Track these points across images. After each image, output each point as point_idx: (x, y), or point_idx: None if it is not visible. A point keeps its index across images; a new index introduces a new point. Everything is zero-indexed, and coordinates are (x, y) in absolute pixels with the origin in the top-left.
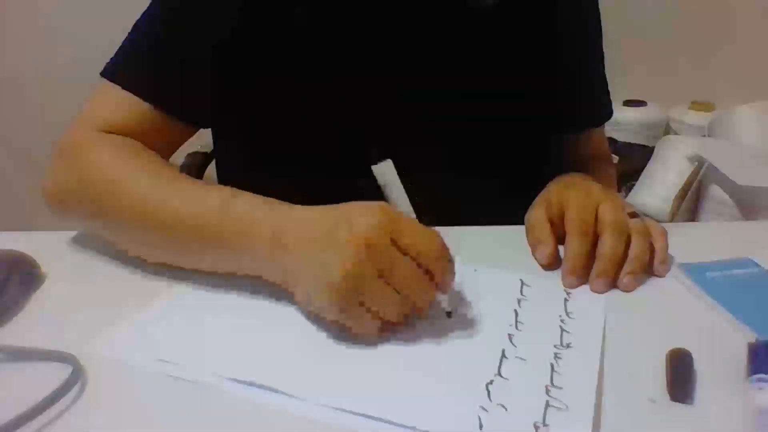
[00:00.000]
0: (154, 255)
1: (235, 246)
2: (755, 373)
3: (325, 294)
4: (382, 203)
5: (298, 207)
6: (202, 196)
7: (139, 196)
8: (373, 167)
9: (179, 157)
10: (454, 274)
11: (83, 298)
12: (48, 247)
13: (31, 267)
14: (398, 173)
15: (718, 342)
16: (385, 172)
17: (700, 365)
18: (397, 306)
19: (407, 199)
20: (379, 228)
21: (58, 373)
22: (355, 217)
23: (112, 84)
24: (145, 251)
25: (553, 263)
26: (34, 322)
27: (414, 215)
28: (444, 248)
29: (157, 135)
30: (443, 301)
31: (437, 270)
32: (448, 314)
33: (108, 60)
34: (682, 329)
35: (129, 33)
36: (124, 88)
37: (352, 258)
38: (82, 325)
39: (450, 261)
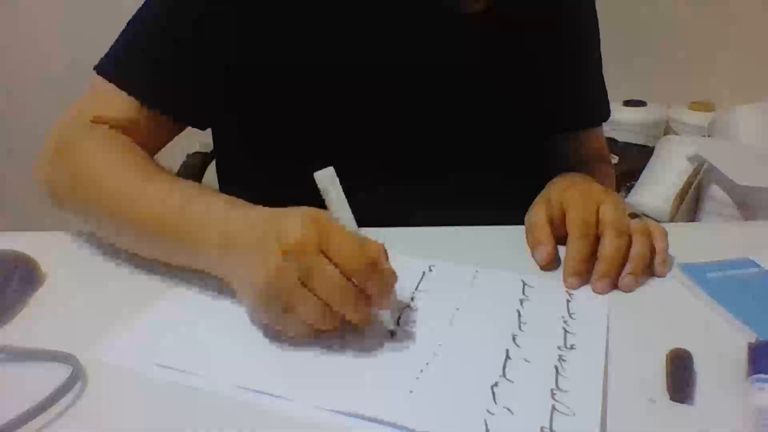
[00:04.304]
0: (128, 246)
1: (189, 245)
2: (755, 373)
3: (252, 298)
4: (316, 210)
5: (251, 210)
6: (167, 195)
7: (114, 191)
8: (315, 174)
9: (179, 157)
10: (391, 289)
11: (83, 298)
12: (48, 247)
13: (31, 267)
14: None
15: (718, 342)
16: (323, 179)
17: (700, 365)
18: (323, 316)
19: (347, 208)
20: (307, 235)
21: (58, 373)
22: (285, 224)
23: (103, 80)
24: (120, 242)
25: (551, 264)
26: (34, 322)
27: (353, 225)
28: (374, 261)
29: (145, 130)
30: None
31: (365, 283)
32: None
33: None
34: (682, 329)
35: (123, 30)
36: (114, 84)
37: (275, 265)
38: (82, 325)
39: (385, 275)
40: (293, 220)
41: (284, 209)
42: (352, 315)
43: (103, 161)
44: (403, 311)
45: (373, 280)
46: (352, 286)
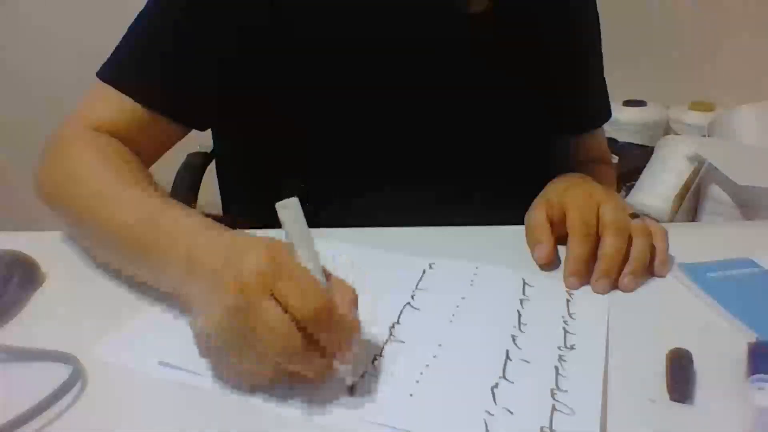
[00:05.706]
0: (100, 256)
1: (155, 260)
2: (755, 373)
3: (200, 333)
4: (275, 246)
5: (218, 231)
6: (138, 206)
7: (92, 192)
8: (276, 204)
9: (179, 157)
10: (350, 340)
11: (83, 298)
12: (48, 247)
13: (31, 267)
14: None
15: (718, 342)
16: (284, 210)
17: (700, 365)
18: (264, 367)
19: (310, 243)
20: (259, 275)
21: (58, 373)
22: (244, 258)
23: (103, 84)
24: (92, 246)
25: (550, 263)
26: (34, 322)
27: (315, 263)
28: (329, 308)
29: (146, 135)
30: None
31: (317, 334)
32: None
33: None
34: (682, 329)
35: (124, 34)
36: (116, 89)
37: (226, 306)
38: (82, 324)
39: (344, 325)
40: (254, 251)
41: (248, 240)
42: (302, 369)
43: (87, 162)
44: (403, 310)
45: (326, 330)
46: (301, 337)
